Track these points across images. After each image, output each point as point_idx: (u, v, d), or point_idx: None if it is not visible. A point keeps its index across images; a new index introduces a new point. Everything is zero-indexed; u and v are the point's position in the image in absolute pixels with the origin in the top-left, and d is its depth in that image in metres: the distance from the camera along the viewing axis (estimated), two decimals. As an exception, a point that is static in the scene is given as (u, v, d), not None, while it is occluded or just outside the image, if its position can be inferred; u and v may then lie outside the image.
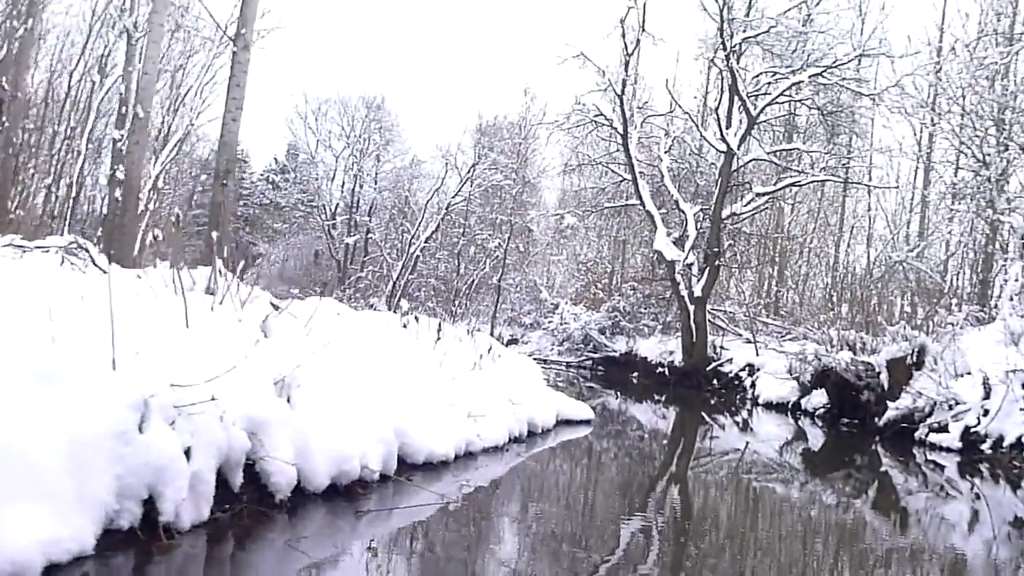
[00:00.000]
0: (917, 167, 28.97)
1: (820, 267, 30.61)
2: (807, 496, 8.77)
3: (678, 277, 25.19)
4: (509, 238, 35.98)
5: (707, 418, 18.75)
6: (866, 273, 25.33)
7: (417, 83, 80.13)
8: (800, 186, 26.33)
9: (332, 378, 5.73)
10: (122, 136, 18.08)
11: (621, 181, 28.88)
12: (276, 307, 6.74)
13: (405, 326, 9.20)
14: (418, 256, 40.08)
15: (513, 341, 34.50)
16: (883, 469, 12.14)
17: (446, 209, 39.52)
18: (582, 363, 30.75)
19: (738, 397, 22.50)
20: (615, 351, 29.93)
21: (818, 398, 17.91)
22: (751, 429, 16.75)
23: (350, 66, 76.19)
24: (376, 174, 49.01)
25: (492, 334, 35.22)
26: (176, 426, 3.99)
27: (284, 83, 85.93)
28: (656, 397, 22.85)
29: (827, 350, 17.27)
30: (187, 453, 4.04)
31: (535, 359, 31.67)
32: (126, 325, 4.40)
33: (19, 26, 20.48)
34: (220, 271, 6.68)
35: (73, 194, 27.28)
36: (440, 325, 9.55)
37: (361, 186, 49.04)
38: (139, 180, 17.52)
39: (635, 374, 27.71)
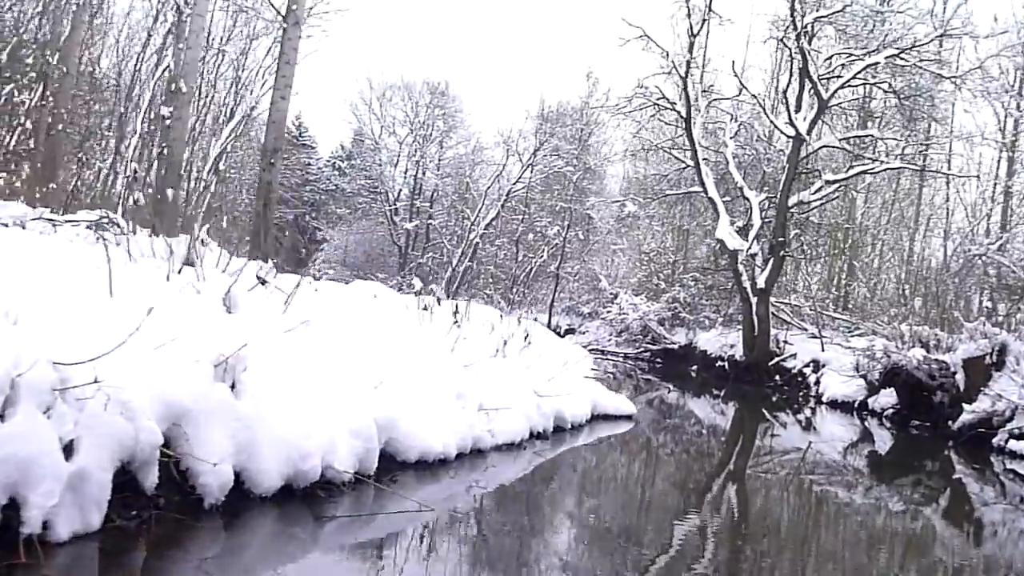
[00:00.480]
0: (1000, 155, 27.11)
1: (893, 260, 28.86)
2: (872, 502, 8.02)
3: (741, 268, 23.92)
4: (568, 226, 34.92)
5: (767, 415, 17.65)
6: (943, 267, 23.67)
7: (481, 68, 79.28)
8: (873, 174, 24.77)
9: (303, 361, 4.89)
10: (169, 113, 17.65)
11: (684, 167, 27.63)
12: (262, 281, 5.93)
13: (426, 308, 8.33)
14: (477, 243, 39.34)
15: (570, 331, 33.54)
16: (956, 476, 11.16)
17: (506, 196, 38.71)
18: (640, 355, 29.64)
19: (801, 394, 21.24)
20: (674, 343, 28.76)
21: (886, 398, 16.62)
22: (814, 428, 15.71)
23: (414, 51, 75.69)
24: (439, 160, 48.39)
25: (549, 323, 34.31)
26: (54, 413, 3.17)
27: (350, 69, 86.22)
28: (715, 392, 21.79)
29: (897, 347, 15.95)
30: (70, 447, 3.22)
31: (592, 350, 30.81)
32: (39, 293, 3.61)
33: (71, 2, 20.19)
34: (202, 240, 5.87)
35: (130, 172, 27.03)
36: (457, 306, 8.67)
37: (424, 172, 48.48)
38: (181, 156, 16.97)
39: (694, 367, 26.52)
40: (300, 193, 59.10)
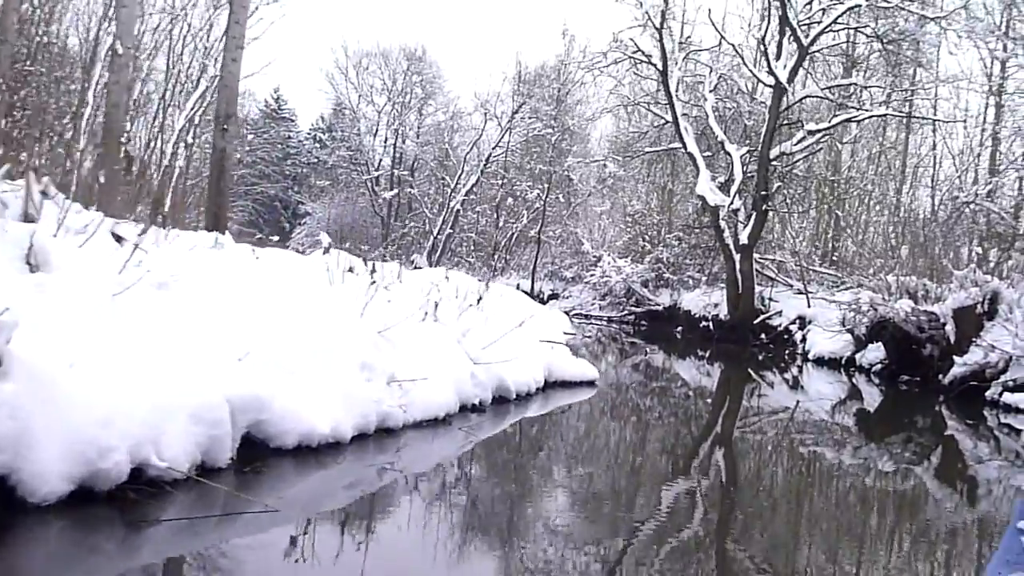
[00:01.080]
0: (988, 100, 26.04)
1: (880, 212, 27.81)
2: (861, 462, 7.49)
3: (723, 224, 22.95)
4: (549, 189, 33.80)
5: (753, 375, 16.76)
6: (930, 217, 22.66)
7: (457, 31, 77.54)
8: (857, 122, 23.71)
9: (136, 331, 3.90)
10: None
11: (663, 124, 26.54)
12: (119, 238, 4.92)
13: (351, 269, 7.30)
14: (458, 210, 38.27)
15: (554, 296, 32.59)
16: (948, 433, 10.46)
17: (486, 161, 37.59)
18: (624, 318, 28.72)
19: (787, 352, 20.42)
20: (658, 305, 27.83)
21: (874, 353, 15.76)
22: (801, 387, 14.91)
23: (390, 16, 73.82)
24: (418, 128, 47.16)
25: (532, 289, 33.33)
26: None
27: (328, 39, 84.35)
28: (700, 353, 20.93)
29: (884, 299, 15.02)
30: None
31: (575, 314, 29.89)
32: None
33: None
34: (44, 191, 4.83)
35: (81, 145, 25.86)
36: (374, 266, 7.64)
37: (404, 141, 47.33)
38: (120, 123, 15.83)
39: (679, 329, 25.65)
40: (281, 167, 57.93)
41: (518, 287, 34.05)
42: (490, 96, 38.29)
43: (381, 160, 46.86)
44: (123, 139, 16.39)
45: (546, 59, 37.02)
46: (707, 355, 20.59)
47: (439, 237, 38.27)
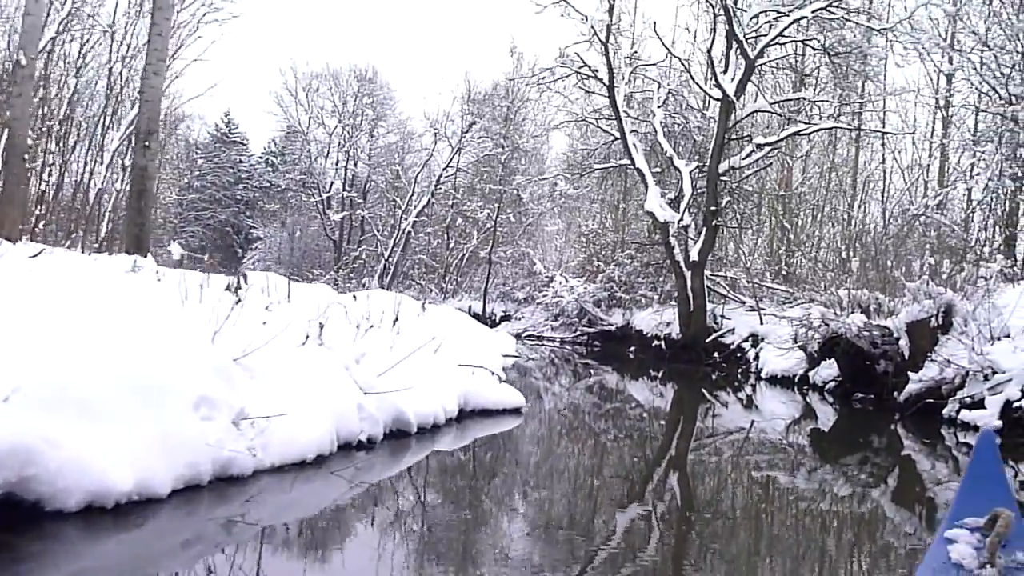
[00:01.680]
0: (935, 114, 25.65)
1: (832, 228, 27.26)
2: (816, 486, 7.11)
3: (673, 241, 22.24)
4: (499, 208, 32.92)
5: (707, 395, 16.04)
6: (882, 231, 22.07)
7: (407, 51, 76.50)
8: (807, 135, 23.15)
9: None
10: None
11: (613, 140, 25.84)
12: None
13: (229, 288, 6.28)
14: (409, 232, 37.28)
15: (506, 318, 31.70)
16: (905, 453, 9.89)
17: (437, 181, 36.70)
18: (577, 339, 27.86)
19: (740, 371, 19.74)
20: (611, 325, 27.01)
21: (827, 370, 15.05)
22: (755, 407, 14.33)
23: (340, 37, 72.68)
24: (370, 150, 46.16)
25: (484, 310, 32.41)
26: None
27: (279, 62, 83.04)
28: (652, 373, 20.07)
29: (836, 313, 14.32)
30: None
31: (528, 336, 28.99)
32: None
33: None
34: None
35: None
36: (240, 281, 6.59)
37: (355, 163, 46.32)
38: (24, 139, 14.72)
39: (632, 349, 24.80)
40: (232, 191, 56.60)
41: (469, 309, 33.18)
42: (440, 116, 37.49)
43: (332, 183, 45.72)
44: (25, 156, 15.24)
45: (496, 78, 36.35)
46: (659, 375, 19.81)
47: (390, 260, 37.25)
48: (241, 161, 57.80)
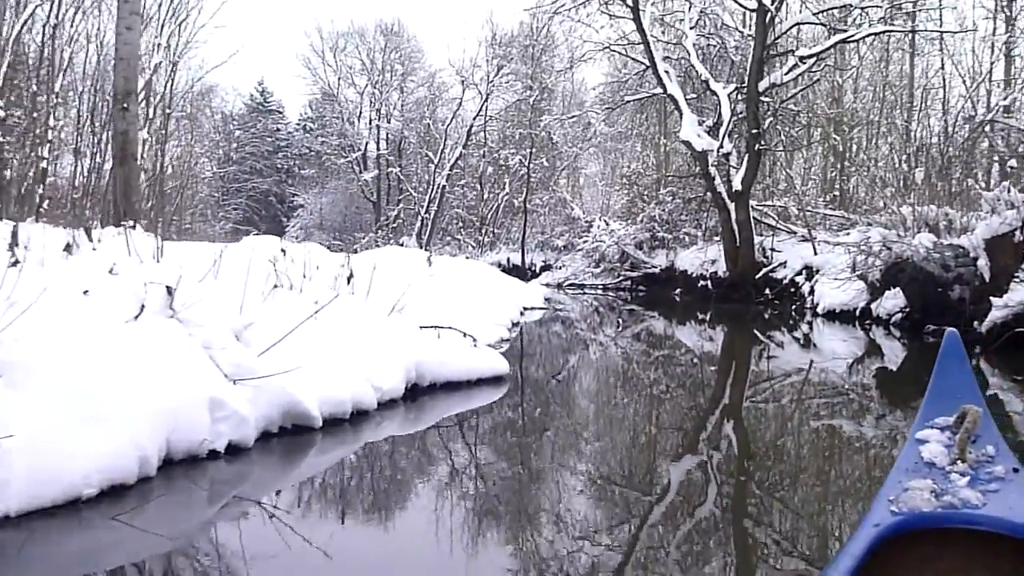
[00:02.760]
0: (996, 12, 22.83)
1: (889, 144, 24.68)
2: (886, 432, 5.83)
3: (713, 171, 20.13)
4: (531, 153, 30.85)
5: (759, 336, 14.33)
6: (945, 140, 19.58)
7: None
8: (854, 41, 20.58)
9: None
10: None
11: (644, 70, 23.59)
12: None
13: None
14: (444, 186, 35.47)
15: (546, 267, 29.88)
16: (991, 393, 7.75)
17: (468, 132, 34.74)
18: (620, 284, 25.94)
19: (794, 308, 17.71)
20: (655, 267, 25.06)
21: (892, 301, 13.03)
22: (813, 345, 12.47)
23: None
24: (402, 106, 44.26)
25: (523, 261, 30.62)
26: None
27: (306, 24, 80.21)
28: (700, 316, 18.20)
29: (899, 235, 12.19)
30: None
31: (569, 285, 27.18)
32: None
33: None
34: None
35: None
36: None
37: (388, 120, 44.49)
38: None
39: (678, 291, 22.85)
40: (272, 160, 55.34)
41: (508, 261, 31.44)
42: (466, 64, 35.39)
43: (367, 143, 44.01)
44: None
45: (521, 17, 33.81)
46: (707, 318, 17.95)
47: (427, 217, 35.59)
48: (278, 129, 56.45)
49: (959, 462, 2.43)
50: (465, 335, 6.74)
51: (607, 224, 27.47)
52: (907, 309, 12.53)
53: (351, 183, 44.64)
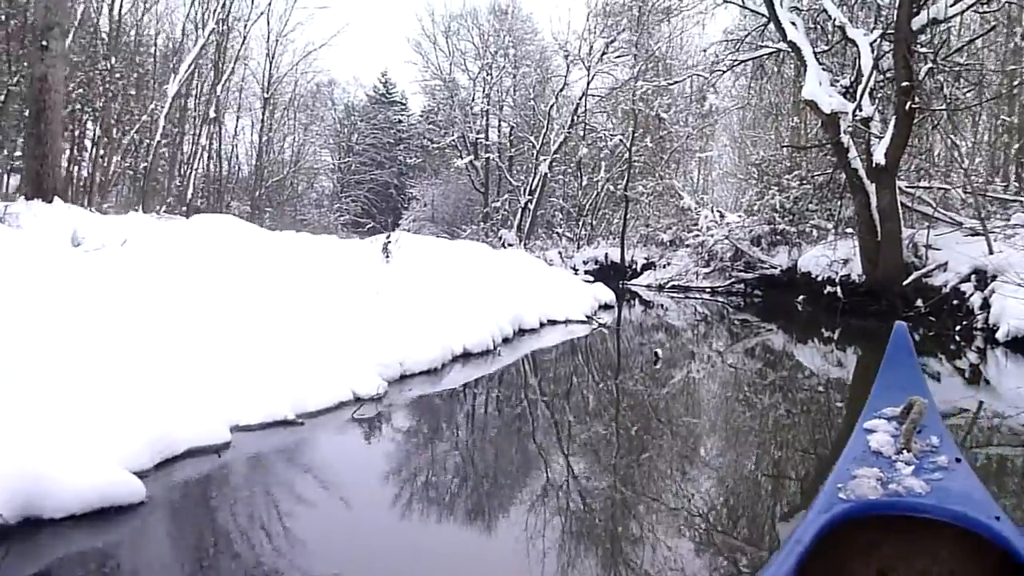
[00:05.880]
0: None
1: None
2: None
3: (846, 140, 14.44)
4: (633, 133, 25.37)
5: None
6: None
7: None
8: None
9: None
10: None
11: (764, 25, 17.94)
12: None
13: None
14: (546, 175, 30.50)
15: (649, 265, 24.49)
16: None
17: (573, 112, 29.63)
18: (731, 287, 20.40)
19: (959, 328, 11.99)
20: (774, 267, 19.43)
21: None
22: (986, 382, 8.51)
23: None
24: (514, 91, 39.52)
25: (622, 257, 25.32)
26: None
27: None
28: (826, 333, 12.90)
29: None
30: None
31: (672, 287, 21.82)
32: None
33: None
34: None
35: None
36: None
37: (501, 108, 39.93)
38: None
39: (800, 298, 17.22)
40: (393, 152, 51.96)
41: (606, 257, 26.23)
42: (570, 37, 30.33)
43: (479, 135, 39.55)
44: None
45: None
46: (835, 335, 12.61)
47: (528, 208, 30.80)
48: (400, 121, 53.07)
49: (905, 452, 2.42)
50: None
51: (720, 215, 21.85)
52: None
53: (462, 174, 40.49)
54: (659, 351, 8.51)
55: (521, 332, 9.23)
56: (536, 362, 7.99)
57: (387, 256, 8.72)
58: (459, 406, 5.99)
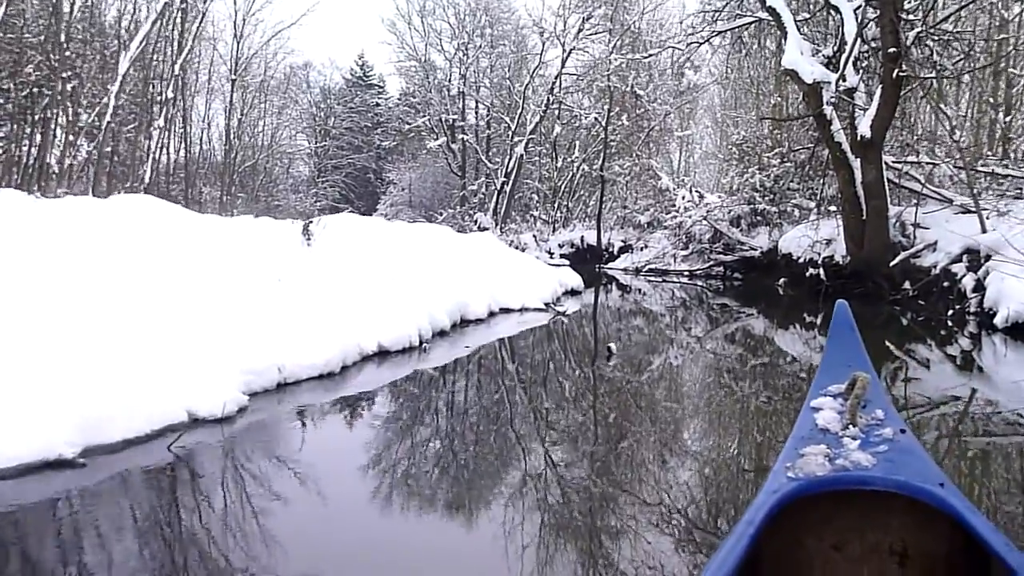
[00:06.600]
0: None
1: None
2: None
3: (829, 112, 13.37)
4: (609, 110, 24.15)
5: (895, 352, 8.79)
6: None
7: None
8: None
9: None
10: None
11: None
12: None
13: None
14: (522, 156, 29.29)
15: (626, 248, 23.40)
16: None
17: (549, 92, 28.39)
18: (710, 270, 19.36)
19: (951, 311, 10.97)
20: (754, 249, 18.38)
21: None
22: (980, 369, 7.86)
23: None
24: (490, 72, 38.19)
25: (599, 239, 24.22)
26: None
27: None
28: (807, 317, 12.35)
29: None
30: None
31: (649, 270, 20.79)
32: None
33: None
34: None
35: None
36: None
37: (478, 89, 38.60)
38: None
39: (782, 281, 16.22)
40: (371, 136, 50.52)
41: (582, 240, 25.12)
42: (546, 14, 29.07)
43: (455, 116, 38.23)
44: None
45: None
46: (818, 320, 11.62)
47: (503, 191, 29.61)
48: (378, 104, 51.63)
49: (850, 427, 2.43)
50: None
51: (697, 195, 20.75)
52: None
53: (439, 157, 39.22)
54: (612, 345, 7.51)
55: (465, 323, 8.13)
56: (469, 360, 6.80)
57: (308, 240, 7.59)
58: (340, 426, 4.66)
